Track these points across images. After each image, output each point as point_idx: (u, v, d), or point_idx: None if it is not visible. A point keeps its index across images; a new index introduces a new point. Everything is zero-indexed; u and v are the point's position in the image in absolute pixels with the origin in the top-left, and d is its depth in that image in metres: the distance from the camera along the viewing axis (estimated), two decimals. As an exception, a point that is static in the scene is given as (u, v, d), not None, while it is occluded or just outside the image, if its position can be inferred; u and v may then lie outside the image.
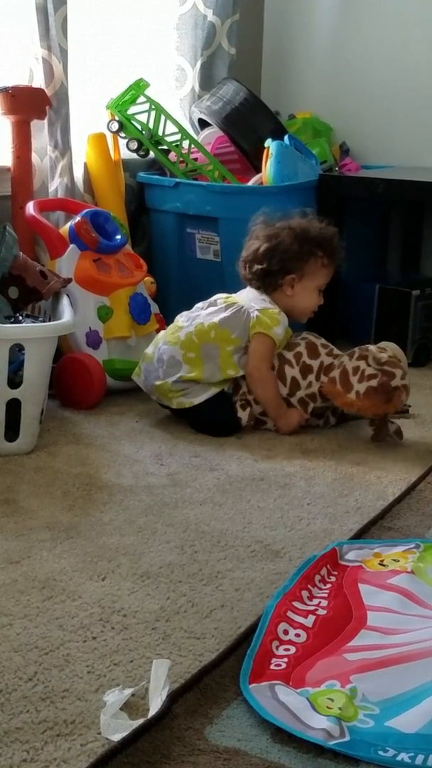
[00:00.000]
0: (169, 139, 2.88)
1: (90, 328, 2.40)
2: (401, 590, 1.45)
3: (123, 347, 2.46)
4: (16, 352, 2.01)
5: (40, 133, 2.64)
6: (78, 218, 2.46)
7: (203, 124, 3.10)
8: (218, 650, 1.30)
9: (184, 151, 2.88)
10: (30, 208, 2.49)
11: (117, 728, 1.11)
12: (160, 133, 2.87)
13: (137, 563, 1.55)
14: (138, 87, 2.81)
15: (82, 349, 2.39)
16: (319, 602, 1.43)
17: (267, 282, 2.27)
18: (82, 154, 2.79)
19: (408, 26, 3.22)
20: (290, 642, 1.32)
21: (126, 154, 2.89)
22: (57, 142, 2.63)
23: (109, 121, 2.83)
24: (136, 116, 2.84)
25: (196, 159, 2.90)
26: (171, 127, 2.88)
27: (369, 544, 1.63)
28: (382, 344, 2.28)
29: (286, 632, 1.34)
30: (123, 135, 2.85)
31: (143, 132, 2.85)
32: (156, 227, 2.99)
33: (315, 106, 3.38)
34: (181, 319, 2.28)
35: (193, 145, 2.89)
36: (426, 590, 1.46)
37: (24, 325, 2.15)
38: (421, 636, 1.33)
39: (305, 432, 2.23)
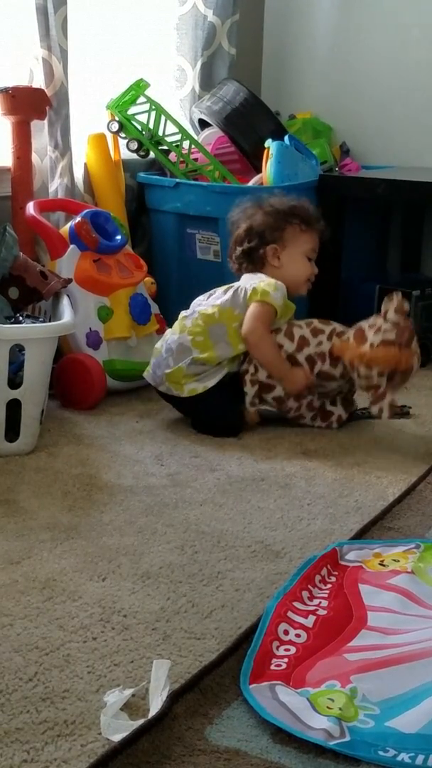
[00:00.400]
0: (169, 139, 2.88)
1: (90, 328, 2.40)
2: (401, 590, 1.45)
3: (123, 348, 2.46)
4: (17, 352, 2.01)
5: (41, 133, 2.64)
6: (78, 218, 2.47)
7: (203, 124, 3.10)
8: (218, 650, 1.30)
9: (184, 152, 2.88)
10: (30, 208, 2.49)
11: (117, 728, 1.11)
12: (161, 133, 2.87)
13: (137, 564, 1.55)
14: (138, 87, 2.81)
15: (83, 350, 2.39)
16: (320, 602, 1.43)
17: (253, 259, 2.31)
18: (82, 154, 2.80)
19: (408, 26, 3.22)
20: (290, 642, 1.32)
21: (126, 154, 2.89)
22: (57, 142, 2.63)
23: (110, 122, 2.83)
24: (137, 116, 2.84)
25: (196, 159, 2.90)
26: (171, 128, 2.88)
27: (369, 545, 1.63)
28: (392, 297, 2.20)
29: (286, 632, 1.34)
30: (123, 135, 2.85)
31: (143, 132, 2.85)
32: (156, 227, 2.99)
33: (315, 107, 3.38)
34: (184, 312, 2.30)
35: (193, 146, 2.89)
36: (426, 590, 1.46)
37: (24, 325, 2.15)
38: (421, 636, 1.33)
39: (305, 432, 2.23)
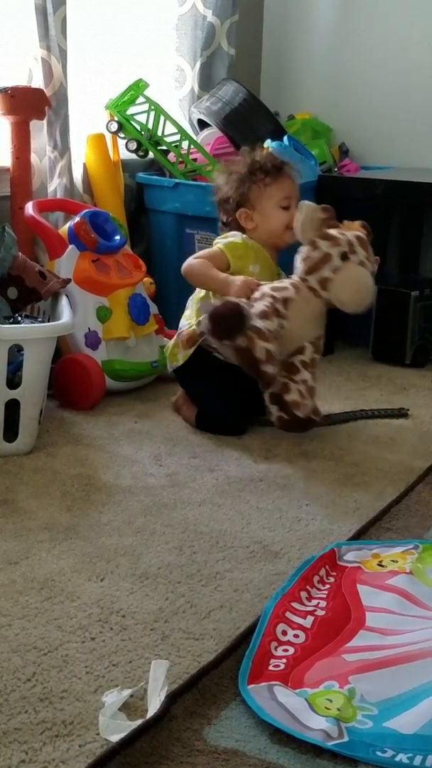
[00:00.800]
0: (168, 139, 2.88)
1: (89, 328, 2.40)
2: (400, 591, 1.45)
3: (122, 348, 2.46)
4: (15, 352, 2.01)
5: (40, 133, 2.64)
6: (77, 219, 2.47)
7: (202, 124, 3.10)
8: (217, 651, 1.30)
9: (183, 152, 2.88)
10: (29, 208, 2.49)
11: (115, 729, 1.11)
12: (160, 133, 2.87)
13: (136, 564, 1.55)
14: (137, 87, 2.81)
15: (81, 350, 2.39)
16: (318, 603, 1.43)
17: (233, 228, 2.33)
18: (81, 154, 2.79)
19: (407, 27, 3.22)
20: (289, 643, 1.32)
21: (125, 154, 2.89)
22: (56, 142, 2.63)
23: (109, 122, 2.83)
24: (136, 117, 2.84)
25: (195, 159, 2.90)
26: (170, 128, 2.88)
27: (368, 545, 1.63)
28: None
29: (284, 633, 1.34)
30: (122, 135, 2.86)
31: (142, 132, 2.85)
32: (155, 228, 2.99)
33: (314, 107, 3.38)
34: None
35: (192, 146, 2.89)
36: (424, 591, 1.46)
37: (23, 325, 2.15)
38: (419, 637, 1.33)
39: (304, 433, 2.23)
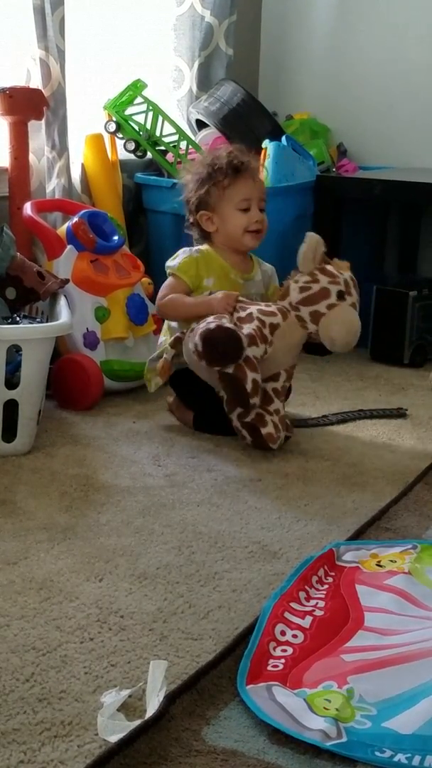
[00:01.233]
0: (166, 139, 2.88)
1: (87, 329, 2.40)
2: (398, 591, 1.45)
3: (120, 348, 2.46)
4: (14, 353, 2.01)
5: (38, 133, 2.64)
6: (75, 219, 2.47)
7: (201, 124, 3.10)
8: (215, 651, 1.30)
9: (181, 152, 2.88)
10: (27, 208, 2.49)
11: (114, 729, 1.11)
12: (158, 133, 2.87)
13: (135, 564, 1.55)
14: (135, 88, 2.81)
15: (80, 350, 2.39)
16: (317, 603, 1.43)
17: (199, 233, 2.29)
18: (79, 154, 2.80)
19: (405, 27, 3.22)
20: (287, 643, 1.32)
21: (123, 154, 2.90)
22: (54, 142, 2.63)
23: (107, 122, 2.83)
24: (134, 117, 2.84)
25: (193, 160, 2.90)
26: (168, 128, 2.88)
27: (366, 545, 1.63)
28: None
29: (283, 633, 1.34)
30: (120, 136, 2.86)
31: (141, 133, 2.85)
32: (153, 228, 2.99)
33: (312, 107, 3.38)
34: None
35: (190, 146, 2.89)
36: (423, 591, 1.46)
37: (21, 326, 2.15)
38: (418, 637, 1.33)
39: (303, 433, 2.23)
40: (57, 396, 2.37)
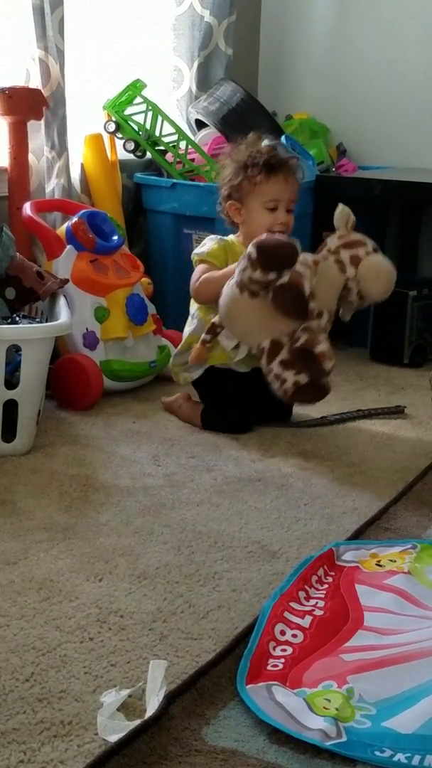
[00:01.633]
0: (166, 139, 2.88)
1: (87, 328, 2.40)
2: (398, 591, 1.45)
3: (120, 348, 2.46)
4: (13, 353, 2.01)
5: (37, 133, 2.64)
6: (75, 219, 2.47)
7: (200, 124, 3.10)
8: (215, 651, 1.30)
9: (181, 152, 2.88)
10: (27, 208, 2.49)
11: (114, 729, 1.11)
12: (157, 133, 2.87)
13: (134, 564, 1.55)
14: (135, 88, 2.81)
15: (79, 350, 2.39)
16: (316, 603, 1.44)
17: (229, 220, 2.31)
18: (79, 154, 2.79)
19: (404, 27, 3.22)
20: (287, 642, 1.32)
21: (123, 154, 2.89)
22: (54, 142, 2.62)
23: (106, 122, 2.83)
24: (133, 117, 2.84)
25: (193, 160, 2.90)
26: (168, 128, 2.88)
27: (366, 545, 1.63)
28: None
29: (283, 633, 1.34)
30: (120, 136, 2.85)
31: (140, 133, 2.85)
32: (153, 228, 2.99)
33: (312, 107, 3.38)
34: None
35: (190, 146, 2.89)
36: (422, 591, 1.46)
37: (21, 326, 2.15)
38: (417, 636, 1.33)
39: (302, 433, 2.23)
40: (56, 396, 2.37)
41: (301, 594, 1.45)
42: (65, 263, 2.43)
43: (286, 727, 1.13)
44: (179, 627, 1.37)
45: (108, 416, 2.31)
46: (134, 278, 2.52)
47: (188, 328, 2.30)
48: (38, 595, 1.45)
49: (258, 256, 1.96)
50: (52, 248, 2.46)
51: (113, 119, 2.82)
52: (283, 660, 1.27)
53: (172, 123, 2.88)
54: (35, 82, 2.61)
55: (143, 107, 2.84)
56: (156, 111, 2.85)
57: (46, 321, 2.29)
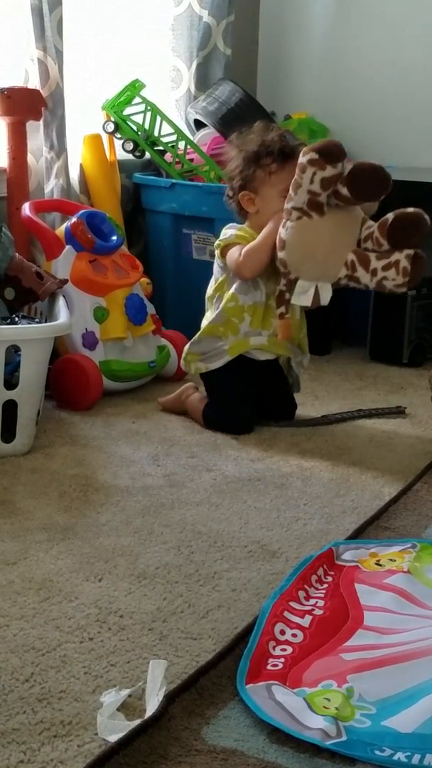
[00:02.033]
0: (164, 140, 2.88)
1: (86, 329, 2.40)
2: (398, 590, 1.45)
3: (119, 348, 2.46)
4: (13, 353, 2.01)
5: (36, 134, 2.64)
6: (74, 219, 2.47)
7: (199, 124, 3.10)
8: (215, 651, 1.30)
9: (179, 152, 2.88)
10: (26, 209, 2.49)
11: (114, 729, 1.11)
12: (156, 134, 2.87)
13: (134, 564, 1.55)
14: (133, 88, 2.81)
15: (79, 350, 2.39)
16: (316, 602, 1.43)
17: (238, 211, 2.28)
18: (77, 155, 2.79)
19: (403, 27, 3.22)
20: (287, 642, 1.32)
21: (122, 155, 2.89)
22: (53, 143, 2.63)
23: (105, 122, 2.83)
24: (132, 117, 2.84)
25: (191, 160, 2.90)
26: (167, 128, 2.88)
27: (365, 544, 1.63)
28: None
29: (282, 632, 1.34)
30: (119, 136, 2.86)
31: (139, 133, 2.85)
32: (152, 228, 2.99)
33: (311, 107, 3.38)
34: None
35: (188, 146, 2.89)
36: (422, 590, 1.46)
37: (20, 326, 2.15)
38: (417, 635, 1.33)
39: (302, 432, 2.23)
40: (56, 396, 2.37)
41: (301, 593, 1.45)
42: (64, 263, 2.43)
43: (286, 727, 1.13)
44: (179, 627, 1.36)
45: (107, 416, 2.31)
46: (133, 278, 2.52)
47: (207, 320, 2.28)
48: (38, 595, 1.45)
49: (320, 155, 1.96)
50: (51, 248, 2.47)
51: (112, 119, 2.82)
52: (282, 659, 1.27)
53: (171, 123, 2.88)
54: (34, 83, 2.61)
55: (142, 107, 2.84)
56: (155, 111, 2.85)
57: (46, 321, 2.29)
